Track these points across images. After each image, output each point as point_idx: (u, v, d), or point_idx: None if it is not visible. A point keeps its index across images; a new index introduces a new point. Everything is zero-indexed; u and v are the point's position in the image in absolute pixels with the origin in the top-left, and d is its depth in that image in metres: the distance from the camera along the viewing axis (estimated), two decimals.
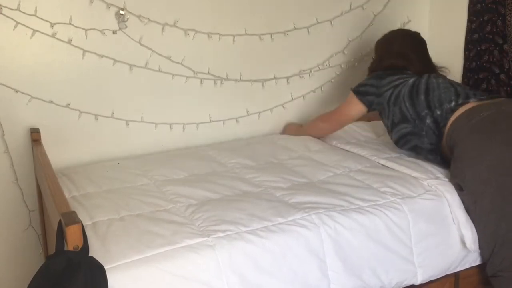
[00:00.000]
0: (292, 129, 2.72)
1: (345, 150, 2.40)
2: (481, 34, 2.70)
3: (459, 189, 1.93)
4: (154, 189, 2.00)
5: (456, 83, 2.24)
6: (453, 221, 1.91)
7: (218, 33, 2.52)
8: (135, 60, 2.38)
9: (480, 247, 1.91)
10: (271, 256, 1.60)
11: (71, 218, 1.32)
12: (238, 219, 1.69)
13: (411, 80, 2.23)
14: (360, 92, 2.35)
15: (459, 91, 2.14)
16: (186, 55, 2.48)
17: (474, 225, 1.90)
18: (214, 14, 2.51)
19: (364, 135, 2.61)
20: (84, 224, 1.43)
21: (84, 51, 2.27)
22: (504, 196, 1.85)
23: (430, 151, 2.14)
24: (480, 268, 1.98)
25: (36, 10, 2.15)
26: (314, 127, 2.59)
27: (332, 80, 2.88)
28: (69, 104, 2.30)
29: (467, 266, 1.96)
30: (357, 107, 2.36)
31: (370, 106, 2.34)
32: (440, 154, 2.11)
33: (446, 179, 2.00)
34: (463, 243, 1.90)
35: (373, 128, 2.68)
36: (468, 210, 1.91)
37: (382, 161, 2.20)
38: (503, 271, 1.88)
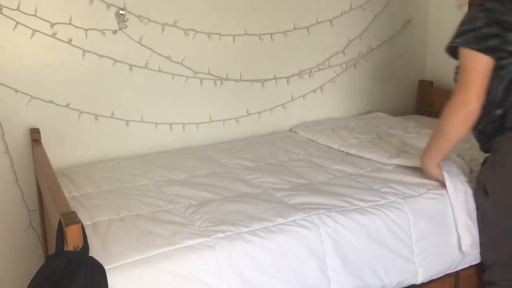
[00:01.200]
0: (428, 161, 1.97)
1: (346, 153, 2.38)
2: None
3: (484, 192, 1.87)
4: (154, 189, 2.00)
5: None
6: (454, 221, 1.90)
7: (218, 33, 2.52)
8: (135, 60, 2.38)
9: (483, 254, 1.90)
10: (271, 257, 1.60)
11: (71, 218, 1.32)
12: (238, 220, 1.69)
13: None
14: (475, 39, 1.71)
15: None
16: (186, 55, 2.48)
17: (485, 230, 1.87)
18: (214, 14, 2.51)
19: (361, 136, 2.58)
20: (84, 224, 1.43)
21: (84, 51, 2.27)
22: None
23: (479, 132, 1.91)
24: (480, 268, 1.98)
25: (36, 10, 2.15)
26: (455, 134, 1.82)
27: (332, 80, 2.88)
28: (69, 104, 2.30)
29: (467, 265, 1.96)
30: (484, 64, 1.72)
31: (498, 55, 1.71)
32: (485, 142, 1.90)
33: (449, 178, 1.98)
34: (460, 245, 1.90)
35: (374, 129, 2.67)
36: (483, 214, 1.87)
37: (386, 161, 2.19)
38: (503, 280, 1.87)
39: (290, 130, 2.80)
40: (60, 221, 1.36)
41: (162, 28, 2.40)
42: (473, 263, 1.97)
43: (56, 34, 2.21)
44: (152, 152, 2.47)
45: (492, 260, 1.89)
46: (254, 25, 2.60)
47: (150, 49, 2.39)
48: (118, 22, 2.30)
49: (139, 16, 2.34)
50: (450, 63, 2.66)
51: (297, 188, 1.96)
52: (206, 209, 1.78)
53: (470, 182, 1.95)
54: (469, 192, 1.92)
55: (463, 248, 1.89)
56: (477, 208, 1.90)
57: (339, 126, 2.71)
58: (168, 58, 2.44)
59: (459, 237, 1.89)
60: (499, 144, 1.85)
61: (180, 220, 1.71)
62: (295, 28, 2.70)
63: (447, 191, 1.89)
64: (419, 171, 2.04)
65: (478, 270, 2.00)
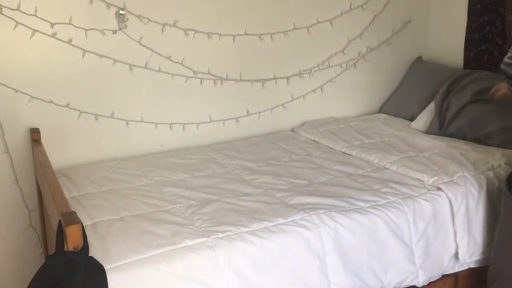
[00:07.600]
0: None
1: (347, 154, 2.38)
2: (481, 34, 2.70)
3: None
4: (154, 189, 2.00)
5: None
6: (453, 225, 1.90)
7: (218, 33, 2.52)
8: (135, 60, 2.38)
9: (494, 266, 1.84)
10: (271, 257, 1.60)
11: (71, 218, 1.32)
12: (238, 220, 1.69)
13: None
14: None
15: None
16: (186, 55, 2.48)
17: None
18: (214, 14, 2.51)
19: (364, 138, 2.58)
20: (84, 224, 1.43)
21: (84, 51, 2.27)
22: None
23: None
24: (479, 268, 1.99)
25: (36, 10, 2.15)
26: None
27: (332, 80, 2.87)
28: (69, 104, 2.30)
29: (465, 267, 1.97)
30: None
31: None
32: None
33: (450, 179, 1.98)
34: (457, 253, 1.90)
35: (377, 130, 2.66)
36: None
37: (387, 164, 2.19)
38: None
39: (291, 130, 2.79)
40: (60, 221, 1.36)
41: (162, 28, 2.40)
42: (472, 265, 1.97)
43: (56, 34, 2.21)
44: (152, 152, 2.47)
45: (506, 276, 1.79)
46: (254, 25, 2.60)
47: (150, 49, 2.39)
48: (118, 22, 2.30)
49: (139, 16, 2.34)
50: (449, 63, 2.67)
51: (297, 189, 1.96)
52: (206, 209, 1.78)
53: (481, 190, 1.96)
54: (474, 201, 1.93)
55: (460, 257, 1.89)
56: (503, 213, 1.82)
57: (340, 127, 2.71)
58: (168, 58, 2.44)
59: (457, 246, 1.90)
60: None
61: (180, 220, 1.71)
62: (295, 28, 2.70)
63: (451, 202, 1.90)
64: (421, 171, 2.05)
65: (477, 270, 2.00)
